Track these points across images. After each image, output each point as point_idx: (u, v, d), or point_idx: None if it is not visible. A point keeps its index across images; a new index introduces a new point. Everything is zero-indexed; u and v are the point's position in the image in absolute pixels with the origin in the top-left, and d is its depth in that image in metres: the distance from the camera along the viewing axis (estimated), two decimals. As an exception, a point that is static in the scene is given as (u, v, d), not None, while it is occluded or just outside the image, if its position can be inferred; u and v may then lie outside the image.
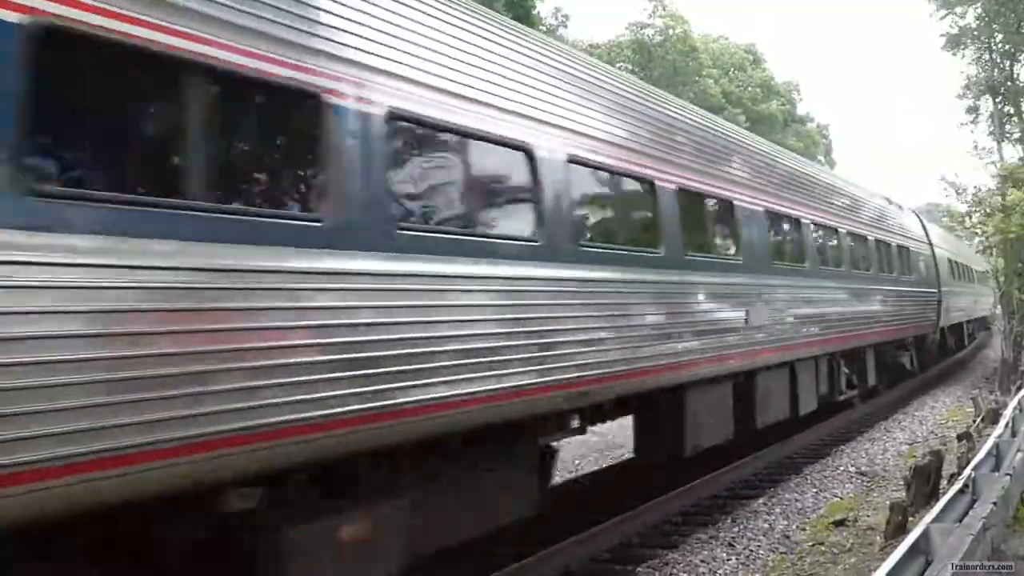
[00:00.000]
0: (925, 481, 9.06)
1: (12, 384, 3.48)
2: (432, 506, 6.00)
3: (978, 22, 32.79)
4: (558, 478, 12.10)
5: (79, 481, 3.70)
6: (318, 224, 4.86)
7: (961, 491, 7.38)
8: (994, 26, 32.36)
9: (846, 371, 15.73)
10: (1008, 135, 33.76)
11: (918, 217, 24.40)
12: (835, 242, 15.08)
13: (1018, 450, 9.04)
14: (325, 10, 5.19)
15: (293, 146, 5.26)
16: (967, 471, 8.08)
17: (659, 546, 8.75)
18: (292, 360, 4.59)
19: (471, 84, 6.26)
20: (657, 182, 8.51)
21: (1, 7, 3.60)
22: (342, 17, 5.30)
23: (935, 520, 6.37)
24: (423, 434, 5.58)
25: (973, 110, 35.40)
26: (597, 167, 7.77)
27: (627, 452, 12.84)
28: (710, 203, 10.15)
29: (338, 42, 5.19)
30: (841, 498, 10.77)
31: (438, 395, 5.48)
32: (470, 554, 8.00)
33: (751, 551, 8.59)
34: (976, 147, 33.06)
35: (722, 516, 9.91)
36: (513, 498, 6.91)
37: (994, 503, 6.68)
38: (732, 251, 10.59)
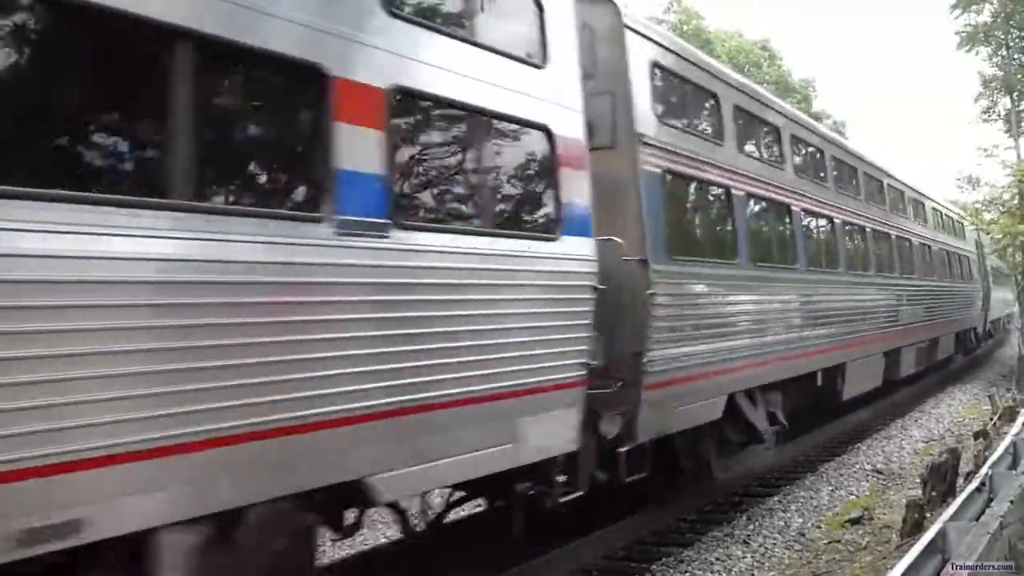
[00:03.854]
0: (942, 479, 9.03)
1: None
2: None
3: (994, 19, 32.56)
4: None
5: None
6: None
7: (978, 489, 7.36)
8: (1011, 22, 32.13)
9: None
10: (1024, 131, 33.54)
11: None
12: None
13: (1035, 448, 9.00)
14: None
15: None
16: (984, 469, 8.06)
17: (674, 544, 8.76)
18: None
19: None
20: None
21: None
22: None
23: (952, 518, 6.36)
24: None
25: (989, 108, 35.24)
26: None
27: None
28: None
29: None
30: (857, 496, 10.75)
31: None
32: (484, 550, 8.04)
33: (766, 549, 8.59)
34: (986, 151, 32.97)
35: (737, 514, 9.90)
36: None
37: (1011, 501, 6.66)
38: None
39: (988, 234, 27.84)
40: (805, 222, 12.43)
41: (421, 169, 5.83)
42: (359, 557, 8.42)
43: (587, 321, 6.73)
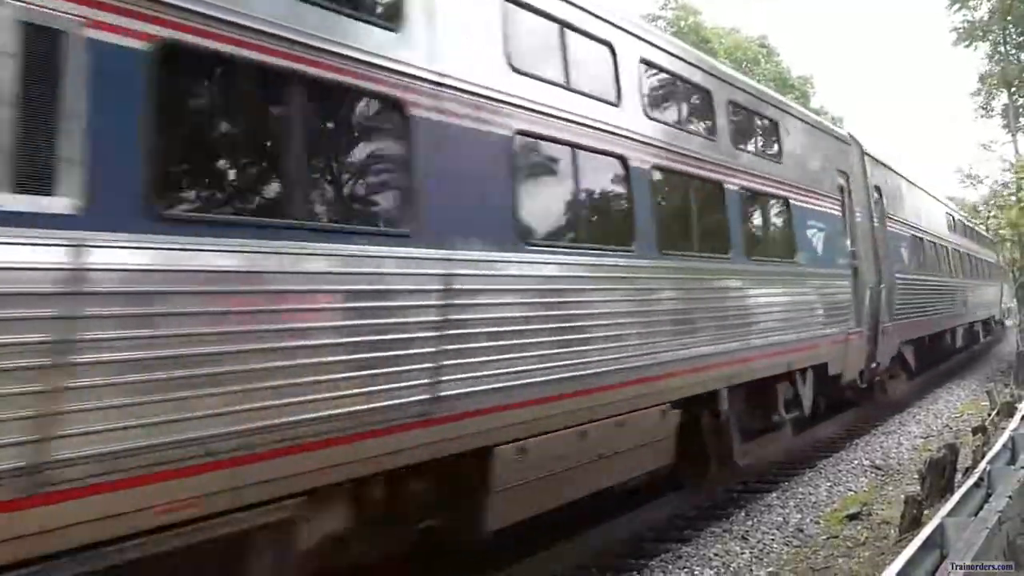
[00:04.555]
0: (940, 475, 9.03)
1: None
2: None
3: (991, 15, 32.59)
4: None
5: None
6: None
7: (976, 484, 7.37)
8: (1008, 18, 32.14)
9: None
10: (1022, 127, 33.57)
11: None
12: None
13: (1034, 443, 9.00)
14: None
15: None
16: (982, 464, 8.07)
17: (672, 540, 8.77)
18: None
19: None
20: None
21: None
22: None
23: (950, 514, 6.36)
24: None
25: (985, 104, 35.30)
26: None
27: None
28: None
29: None
30: (855, 492, 10.74)
31: None
32: (480, 548, 8.03)
33: (765, 545, 8.58)
34: (985, 146, 33.00)
35: (735, 510, 9.91)
36: None
37: (1009, 496, 6.65)
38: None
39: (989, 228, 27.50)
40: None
41: None
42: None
43: None
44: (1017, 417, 11.72)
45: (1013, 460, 8.58)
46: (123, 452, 4.03)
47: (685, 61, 9.75)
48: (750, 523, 9.37)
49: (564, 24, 7.61)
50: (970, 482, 7.44)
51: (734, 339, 9.64)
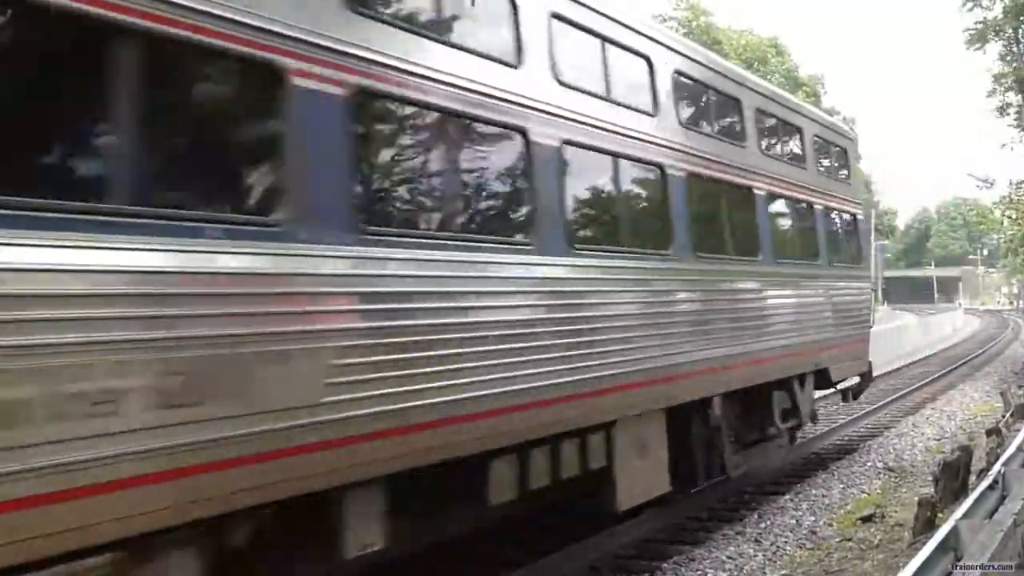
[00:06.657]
0: (953, 476, 8.99)
1: None
2: None
3: (1005, 14, 32.36)
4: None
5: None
6: None
7: (990, 487, 7.33)
8: (1021, 18, 31.93)
9: None
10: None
11: None
12: None
13: (1048, 445, 8.95)
14: None
15: None
16: (996, 466, 8.02)
17: (685, 542, 8.76)
18: None
19: None
20: None
21: None
22: None
23: (964, 516, 6.33)
24: None
25: (1001, 107, 35.10)
26: None
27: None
28: None
29: None
30: (869, 494, 10.72)
31: None
32: (493, 549, 8.04)
33: (778, 547, 8.57)
34: (1008, 144, 32.74)
35: (748, 512, 9.89)
36: None
37: (1024, 499, 6.63)
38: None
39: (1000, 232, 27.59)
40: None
41: None
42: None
43: None
44: (1031, 419, 11.66)
45: (1028, 462, 8.53)
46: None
47: None
48: (763, 525, 9.36)
49: None
50: (984, 484, 7.40)
51: None
